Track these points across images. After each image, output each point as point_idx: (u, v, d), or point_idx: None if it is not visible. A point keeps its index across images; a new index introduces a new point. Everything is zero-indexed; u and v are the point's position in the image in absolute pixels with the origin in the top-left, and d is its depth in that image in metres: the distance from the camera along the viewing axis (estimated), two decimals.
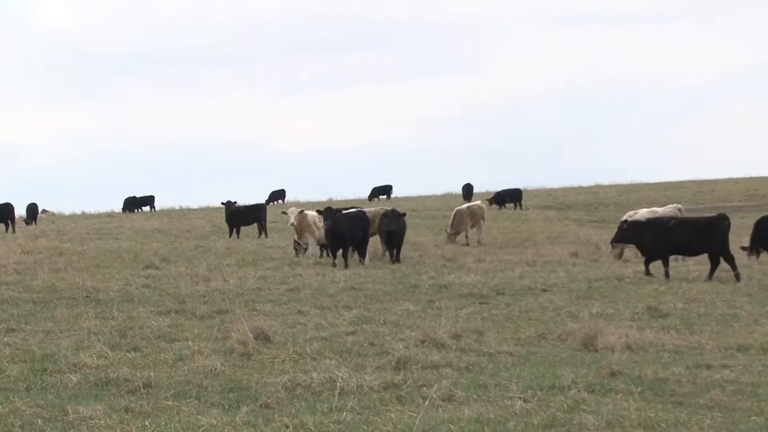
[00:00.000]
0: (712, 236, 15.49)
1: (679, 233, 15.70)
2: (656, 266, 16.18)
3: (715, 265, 15.41)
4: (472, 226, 25.21)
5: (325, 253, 20.71)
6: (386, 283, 15.24)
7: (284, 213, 21.66)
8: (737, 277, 15.00)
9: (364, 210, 20.65)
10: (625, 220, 17.03)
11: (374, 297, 13.58)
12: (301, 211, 20.46)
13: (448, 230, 24.78)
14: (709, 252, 15.62)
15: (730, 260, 15.38)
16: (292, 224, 20.38)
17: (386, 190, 54.25)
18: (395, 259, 19.06)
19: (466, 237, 24.95)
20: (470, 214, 25.06)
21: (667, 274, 15.53)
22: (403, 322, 11.11)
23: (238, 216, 28.43)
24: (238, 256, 20.91)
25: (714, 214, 17.13)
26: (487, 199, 43.25)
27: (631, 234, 16.33)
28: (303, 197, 57.02)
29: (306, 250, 20.21)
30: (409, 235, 23.30)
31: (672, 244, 15.73)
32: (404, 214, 19.92)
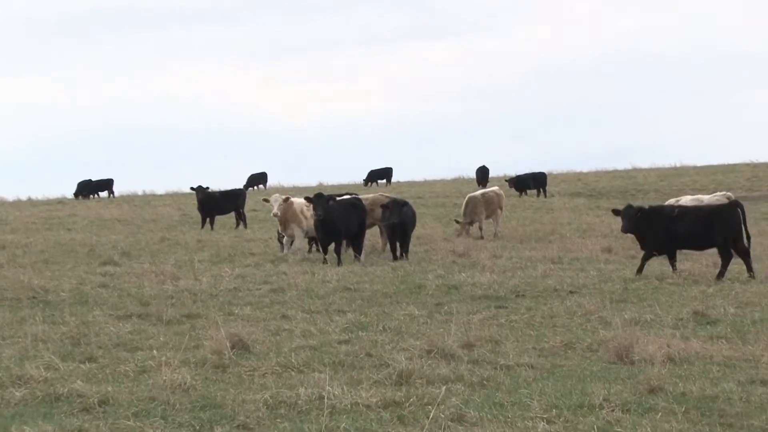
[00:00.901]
0: (721, 227, 15.59)
1: (683, 224, 15.80)
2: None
3: (726, 260, 15.53)
4: (488, 217, 25.28)
5: (314, 248, 20.74)
6: (386, 283, 15.28)
7: (266, 201, 21.25)
8: (751, 274, 15.34)
9: (361, 197, 20.66)
10: (640, 208, 16.62)
11: (372, 299, 13.64)
12: (287, 199, 20.26)
13: (460, 221, 24.83)
14: (717, 246, 15.74)
15: (744, 255, 15.56)
16: (276, 214, 20.14)
17: (386, 173, 54.30)
18: (399, 255, 19.06)
19: (480, 229, 25.00)
20: (485, 202, 25.10)
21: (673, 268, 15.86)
22: (405, 329, 11.19)
23: (212, 203, 28.58)
24: (212, 250, 21.01)
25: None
26: (510, 179, 43.46)
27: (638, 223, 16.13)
28: (288, 181, 57.24)
29: (292, 243, 20.20)
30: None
31: (675, 237, 15.83)
32: (406, 203, 19.98)
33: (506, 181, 43.82)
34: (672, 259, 16.07)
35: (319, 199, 18.68)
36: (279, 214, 20.09)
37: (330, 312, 12.50)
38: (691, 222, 15.85)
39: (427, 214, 30.85)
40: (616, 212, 16.66)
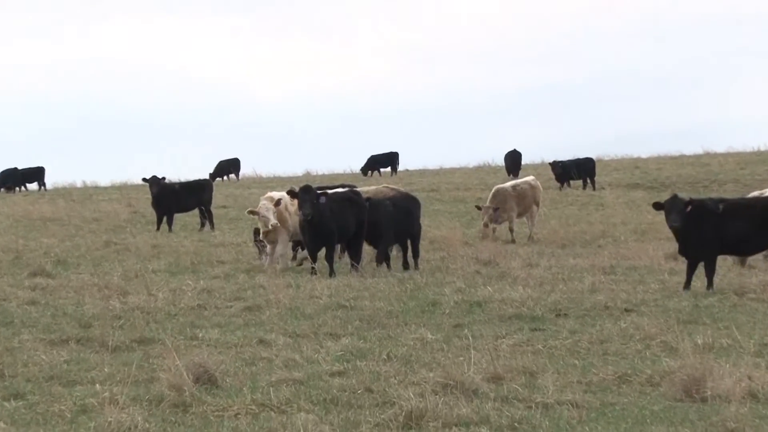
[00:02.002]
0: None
1: (735, 222, 15.89)
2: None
3: None
4: (520, 215, 25.37)
5: (299, 253, 20.80)
6: (391, 298, 15.31)
7: (253, 213, 20.34)
8: None
9: (359, 190, 20.72)
10: (692, 200, 16.45)
11: (373, 320, 13.64)
12: (277, 202, 20.00)
13: (484, 219, 24.79)
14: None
15: None
16: (274, 226, 19.73)
17: (390, 159, 54.43)
18: (404, 263, 19.09)
19: (511, 230, 25.07)
20: (517, 196, 25.20)
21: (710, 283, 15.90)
22: (415, 358, 11.16)
23: (171, 198, 28.68)
24: (170, 258, 21.12)
25: None
26: (554, 163, 43.29)
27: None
28: (266, 170, 57.32)
29: (274, 249, 20.10)
30: (427, 228, 23.32)
31: (724, 238, 15.92)
32: (407, 197, 19.98)
33: (551, 164, 43.54)
34: (707, 269, 15.98)
35: (306, 194, 18.51)
36: (277, 224, 19.83)
37: (320, 336, 12.51)
38: (744, 220, 15.94)
39: (443, 212, 30.89)
40: (657, 206, 16.51)
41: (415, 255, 19.78)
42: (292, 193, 19.10)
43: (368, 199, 19.46)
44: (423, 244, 21.01)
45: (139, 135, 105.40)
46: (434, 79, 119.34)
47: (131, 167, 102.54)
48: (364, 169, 53.57)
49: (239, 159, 56.61)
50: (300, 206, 18.57)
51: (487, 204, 25.05)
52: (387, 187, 21.43)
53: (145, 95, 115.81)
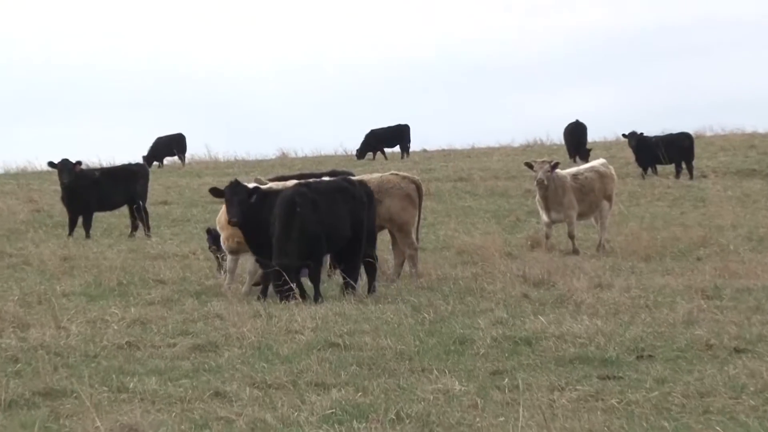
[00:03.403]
0: None
1: None
2: None
3: None
4: (585, 215, 25.53)
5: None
6: (402, 333, 15.34)
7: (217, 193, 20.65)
8: None
9: (354, 177, 20.90)
10: None
11: (376, 363, 13.73)
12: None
13: (544, 218, 24.95)
14: None
15: None
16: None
17: (398, 135, 54.47)
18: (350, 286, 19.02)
19: (572, 237, 25.18)
20: (579, 188, 25.22)
21: None
22: (437, 418, 11.18)
23: (89, 190, 28.76)
24: (89, 274, 21.15)
25: None
26: (632, 136, 43.00)
27: None
28: (225, 150, 57.27)
29: (239, 263, 20.22)
30: (453, 233, 23.17)
31: None
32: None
33: (627, 137, 43.23)
34: None
35: (235, 194, 18.99)
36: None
37: (301, 386, 12.54)
38: None
39: (475, 210, 31.09)
40: None
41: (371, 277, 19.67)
42: (215, 192, 19.68)
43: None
44: (447, 255, 20.95)
45: (43, 103, 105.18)
46: (459, 27, 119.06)
47: (33, 147, 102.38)
48: (361, 150, 53.32)
49: (184, 135, 55.81)
50: (227, 209, 19.23)
51: (537, 200, 25.17)
52: (396, 174, 21.52)
53: (61, 58, 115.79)
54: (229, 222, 19.10)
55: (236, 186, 19.30)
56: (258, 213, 18.93)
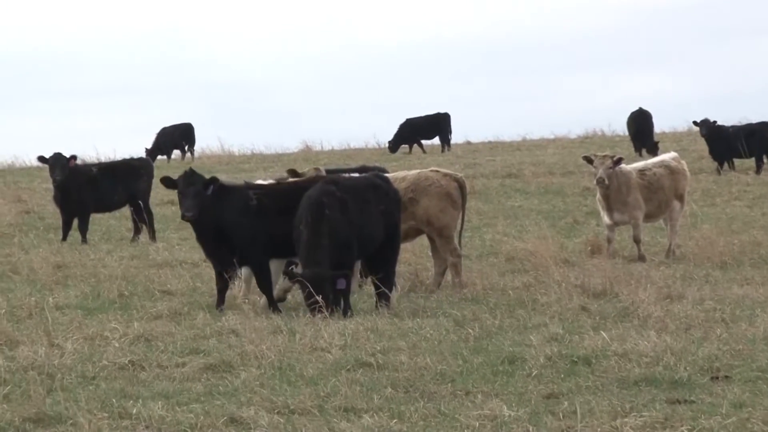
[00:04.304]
0: None
1: None
2: None
3: None
4: (653, 216, 25.28)
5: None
6: (443, 351, 15.22)
7: None
8: None
9: (386, 174, 20.95)
10: None
11: (414, 385, 13.60)
12: None
13: (606, 220, 24.49)
14: None
15: None
16: None
17: (437, 126, 54.41)
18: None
19: (637, 241, 24.97)
20: (648, 184, 24.94)
21: None
22: None
23: (85, 188, 28.67)
24: (86, 284, 20.98)
25: None
26: (704, 124, 42.29)
27: None
28: (240, 143, 56.72)
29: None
30: (501, 238, 22.66)
31: None
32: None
33: (698, 125, 42.51)
34: None
35: (188, 185, 18.73)
36: None
37: (329, 412, 12.45)
38: None
39: (527, 211, 31.36)
40: None
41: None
42: (167, 182, 19.29)
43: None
44: (495, 262, 20.90)
45: (31, 90, 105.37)
46: (505, 4, 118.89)
47: (22, 140, 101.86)
48: (395, 142, 52.63)
49: (192, 125, 55.15)
50: (180, 201, 19.06)
51: (598, 199, 24.71)
52: (436, 171, 21.26)
53: (58, 43, 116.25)
54: (183, 217, 18.95)
55: (191, 176, 19.05)
56: (214, 209, 18.82)
